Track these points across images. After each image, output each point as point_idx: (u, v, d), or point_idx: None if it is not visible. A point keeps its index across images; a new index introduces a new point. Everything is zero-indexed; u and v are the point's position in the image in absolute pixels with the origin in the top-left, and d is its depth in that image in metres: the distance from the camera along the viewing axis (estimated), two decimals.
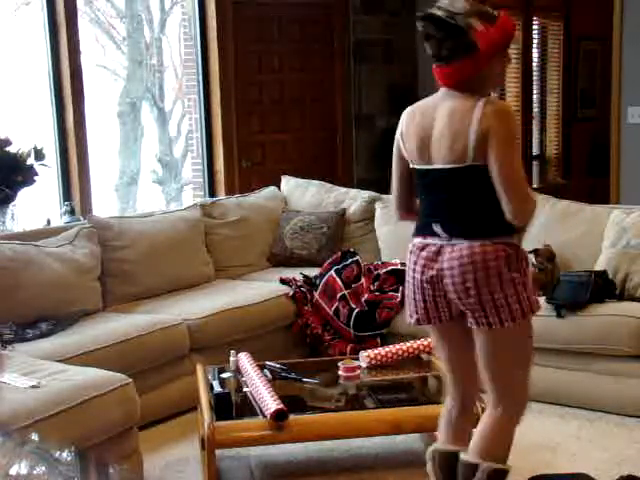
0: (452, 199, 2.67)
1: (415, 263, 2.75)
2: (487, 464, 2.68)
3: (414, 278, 2.76)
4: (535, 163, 8.98)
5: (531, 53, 8.68)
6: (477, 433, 2.77)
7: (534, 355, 2.83)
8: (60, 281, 4.26)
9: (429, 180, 2.71)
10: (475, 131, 2.54)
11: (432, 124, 2.64)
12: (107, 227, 4.67)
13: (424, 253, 2.72)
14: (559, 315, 4.12)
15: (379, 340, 4.57)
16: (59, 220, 5.14)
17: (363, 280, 4.87)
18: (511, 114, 2.64)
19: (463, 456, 2.75)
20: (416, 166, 2.73)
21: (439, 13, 2.57)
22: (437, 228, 2.69)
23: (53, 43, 5.34)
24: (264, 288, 4.84)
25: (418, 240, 2.77)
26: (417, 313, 2.79)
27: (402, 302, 4.63)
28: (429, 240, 2.72)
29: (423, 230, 2.76)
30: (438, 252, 2.68)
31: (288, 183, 5.82)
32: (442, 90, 2.68)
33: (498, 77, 2.73)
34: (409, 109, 2.76)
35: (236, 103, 6.41)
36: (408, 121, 2.73)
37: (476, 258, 2.60)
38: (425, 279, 2.71)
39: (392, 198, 2.93)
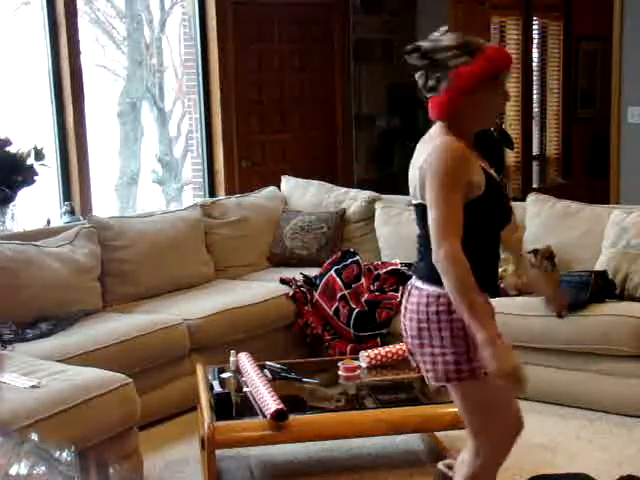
0: (420, 236, 2.58)
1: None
2: None
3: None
4: (535, 163, 8.98)
5: (531, 53, 8.68)
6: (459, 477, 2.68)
7: (513, 408, 2.63)
8: (60, 281, 4.26)
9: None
10: (419, 171, 2.48)
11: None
12: (107, 227, 4.67)
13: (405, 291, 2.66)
14: (559, 315, 4.12)
15: (379, 340, 4.57)
16: (59, 220, 5.14)
17: (363, 280, 4.87)
18: (449, 151, 2.43)
19: None
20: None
21: (424, 45, 2.50)
22: (413, 267, 2.66)
23: (53, 43, 5.34)
24: (264, 288, 4.84)
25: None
26: None
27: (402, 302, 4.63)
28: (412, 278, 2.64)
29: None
30: (408, 294, 2.60)
31: (288, 183, 5.82)
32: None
33: (486, 114, 2.58)
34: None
35: (236, 103, 6.41)
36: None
37: (422, 307, 2.48)
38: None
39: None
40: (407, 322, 2.55)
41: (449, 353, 2.45)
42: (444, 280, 2.37)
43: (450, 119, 2.50)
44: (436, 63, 2.46)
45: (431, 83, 2.50)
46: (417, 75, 2.53)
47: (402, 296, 2.66)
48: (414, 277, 2.59)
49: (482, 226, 2.51)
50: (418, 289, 2.53)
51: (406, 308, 2.56)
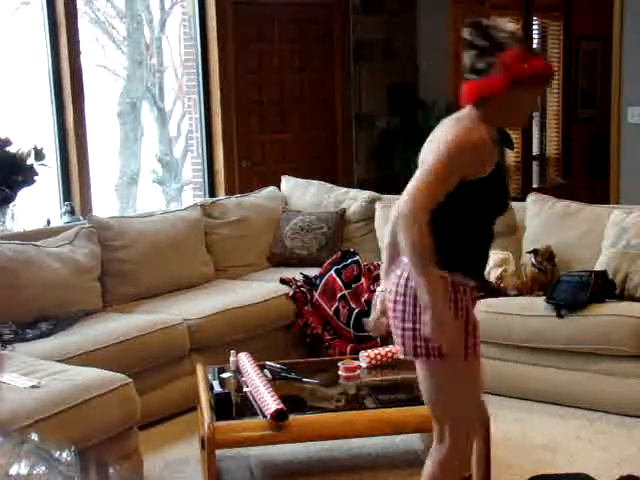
0: None
1: None
2: None
3: None
4: (535, 163, 8.98)
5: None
6: (426, 475, 2.65)
7: (476, 396, 2.66)
8: (60, 281, 4.26)
9: None
10: (430, 141, 2.49)
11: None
12: (107, 227, 4.67)
13: None
14: (559, 315, 4.12)
15: (379, 340, 4.57)
16: (59, 220, 5.14)
17: (363, 280, 4.87)
18: (470, 141, 2.43)
19: None
20: None
21: (485, 22, 2.53)
22: None
23: (53, 43, 5.34)
24: (264, 288, 4.84)
25: None
26: None
27: None
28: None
29: None
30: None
31: (288, 183, 5.82)
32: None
33: (520, 113, 2.59)
34: None
35: (236, 103, 6.41)
36: None
37: (402, 281, 2.49)
38: None
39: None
40: (388, 295, 2.56)
41: (419, 329, 2.45)
42: (405, 234, 2.37)
43: (485, 106, 2.49)
44: (493, 44, 2.47)
45: (481, 65, 2.48)
46: (469, 54, 2.51)
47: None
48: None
49: (480, 208, 2.52)
50: (403, 265, 2.51)
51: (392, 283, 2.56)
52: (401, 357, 2.61)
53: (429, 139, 2.57)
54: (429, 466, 2.64)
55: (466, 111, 2.53)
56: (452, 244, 2.48)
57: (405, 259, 2.46)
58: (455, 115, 2.56)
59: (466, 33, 2.55)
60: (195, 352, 4.31)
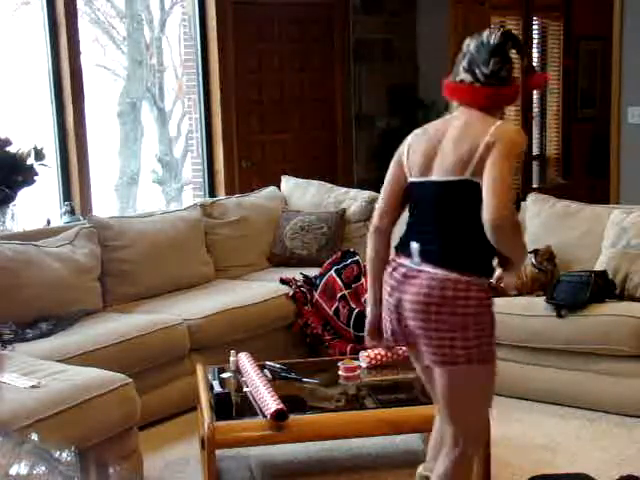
0: (439, 218, 2.59)
1: (386, 282, 2.68)
2: None
3: (385, 299, 2.69)
4: (535, 163, 8.98)
5: (531, 53, 8.68)
6: (437, 476, 2.68)
7: (492, 399, 2.71)
8: (60, 281, 4.26)
9: (422, 193, 2.64)
10: (484, 145, 2.48)
11: (441, 138, 2.60)
12: (107, 227, 4.67)
13: (395, 274, 2.64)
14: (559, 315, 4.12)
15: None
16: (59, 220, 5.14)
17: (363, 280, 4.87)
18: (521, 138, 2.57)
19: None
20: (414, 179, 2.64)
21: (516, 35, 2.68)
22: (414, 246, 2.59)
23: (53, 43, 5.34)
24: (264, 288, 4.84)
25: (392, 257, 2.71)
26: (387, 332, 2.73)
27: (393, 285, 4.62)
28: (402, 260, 2.63)
29: (401, 248, 2.67)
30: (405, 277, 2.59)
31: (288, 183, 5.82)
32: (460, 110, 2.63)
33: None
34: (420, 128, 2.72)
35: (236, 103, 6.41)
36: (417, 137, 2.68)
37: (446, 292, 2.49)
38: (392, 302, 2.64)
39: (377, 208, 2.77)
40: (409, 305, 2.55)
41: (458, 338, 2.49)
42: (517, 239, 2.51)
43: (489, 110, 2.61)
44: (520, 56, 2.64)
45: (504, 74, 2.61)
46: (494, 60, 2.58)
47: (392, 288, 2.64)
48: (416, 260, 2.57)
49: None
50: (427, 273, 2.52)
51: (417, 293, 2.53)
52: (429, 364, 2.61)
53: (455, 138, 2.57)
54: (445, 467, 2.64)
55: (482, 114, 2.59)
56: (483, 246, 2.51)
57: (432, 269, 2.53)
58: (464, 118, 2.60)
59: (496, 39, 2.61)
60: (195, 352, 4.31)
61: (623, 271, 4.24)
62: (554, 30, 8.94)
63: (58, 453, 1.63)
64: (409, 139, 2.70)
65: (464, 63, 2.63)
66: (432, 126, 2.69)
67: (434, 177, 2.58)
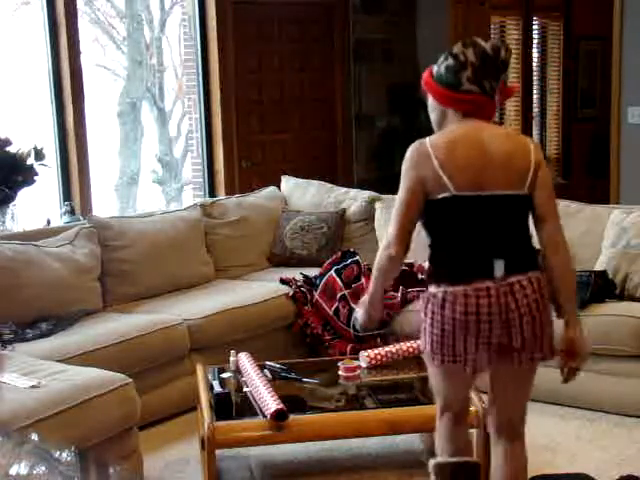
0: (508, 229, 2.62)
1: (466, 320, 2.56)
2: None
3: (475, 327, 2.58)
4: None
5: (531, 53, 8.68)
6: (514, 471, 2.77)
7: None
8: (60, 281, 4.26)
9: (476, 207, 2.58)
10: (534, 164, 2.60)
11: (483, 150, 2.58)
12: (107, 227, 4.67)
13: (479, 301, 2.54)
14: (559, 315, 4.11)
15: (379, 340, 4.57)
16: (59, 220, 5.14)
17: (363, 280, 4.86)
18: None
19: None
20: (461, 193, 2.55)
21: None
22: (498, 264, 2.56)
23: (53, 43, 5.34)
24: (264, 288, 4.84)
25: (462, 288, 2.55)
26: (448, 355, 2.63)
27: (402, 302, 4.63)
28: (480, 285, 2.55)
29: (474, 271, 2.57)
30: (495, 296, 2.55)
31: (288, 183, 5.82)
32: (472, 121, 2.63)
33: None
34: (438, 141, 2.61)
35: (236, 103, 6.42)
36: (444, 149, 2.58)
37: (543, 291, 2.63)
38: (486, 327, 2.56)
39: (395, 234, 2.67)
40: (522, 317, 2.59)
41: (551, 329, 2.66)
42: (567, 253, 2.67)
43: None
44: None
45: (507, 84, 2.73)
46: (503, 76, 2.67)
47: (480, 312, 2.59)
48: (500, 275, 2.56)
49: None
50: (522, 280, 2.58)
51: (526, 304, 2.59)
52: (521, 363, 2.67)
53: (510, 153, 2.62)
54: (518, 467, 2.77)
55: (488, 121, 2.70)
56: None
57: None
58: (482, 122, 2.66)
59: (506, 54, 2.67)
60: (195, 352, 4.31)
61: (623, 271, 4.24)
62: (554, 30, 8.95)
63: (58, 453, 1.63)
64: (431, 150, 2.59)
65: (468, 73, 2.61)
66: (457, 137, 2.61)
67: (498, 191, 2.57)
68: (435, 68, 2.73)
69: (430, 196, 2.59)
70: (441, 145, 2.60)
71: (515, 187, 2.59)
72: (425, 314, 2.64)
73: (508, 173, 2.58)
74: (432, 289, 2.63)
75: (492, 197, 2.57)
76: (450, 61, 2.67)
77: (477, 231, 2.60)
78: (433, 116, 2.73)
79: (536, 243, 2.69)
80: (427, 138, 2.64)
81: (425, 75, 2.74)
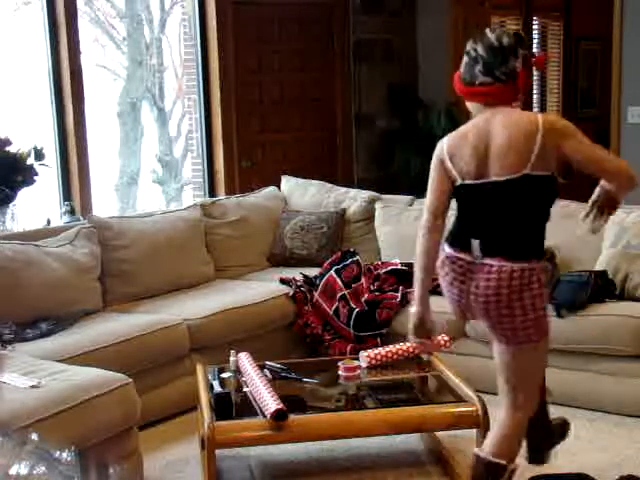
0: (499, 213, 2.76)
1: (447, 274, 2.84)
2: (513, 465, 2.85)
3: (447, 290, 2.87)
4: None
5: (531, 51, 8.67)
6: (501, 435, 2.87)
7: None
8: (60, 281, 4.26)
9: (478, 194, 2.78)
10: (540, 139, 2.67)
11: (488, 141, 2.74)
12: (107, 227, 4.67)
13: (454, 267, 2.80)
14: (559, 315, 4.12)
15: (379, 340, 4.57)
16: (59, 220, 5.14)
17: (363, 280, 4.87)
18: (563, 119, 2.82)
19: (485, 455, 2.84)
20: (467, 182, 2.78)
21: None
22: (474, 242, 2.76)
23: (53, 43, 5.34)
24: (264, 288, 4.84)
25: (450, 251, 2.83)
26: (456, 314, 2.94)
27: (402, 302, 4.63)
28: (459, 255, 2.79)
29: (457, 242, 2.82)
30: (468, 270, 2.77)
31: (288, 183, 5.82)
32: (488, 110, 2.80)
33: None
34: (454, 134, 2.85)
35: (236, 103, 6.42)
36: (456, 143, 2.81)
37: (514, 282, 2.70)
38: (455, 292, 2.83)
39: (429, 209, 2.88)
40: (479, 297, 2.74)
41: (528, 319, 2.75)
42: (629, 177, 2.82)
43: (514, 102, 2.86)
44: (522, 49, 2.83)
45: (518, 68, 2.80)
46: (512, 60, 2.78)
47: (454, 279, 2.82)
48: (477, 255, 2.75)
49: None
50: (493, 266, 2.71)
51: (486, 287, 2.73)
52: (500, 344, 2.83)
53: (494, 139, 2.75)
54: (511, 426, 2.86)
55: (505, 107, 2.81)
56: (540, 231, 2.96)
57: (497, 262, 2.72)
58: (499, 110, 2.79)
59: (509, 40, 2.80)
60: (195, 352, 4.31)
61: (623, 271, 4.24)
62: (554, 30, 8.95)
63: (58, 453, 1.63)
64: (445, 146, 2.82)
65: (479, 67, 2.78)
66: (469, 131, 2.80)
67: (493, 178, 2.73)
68: (460, 72, 2.90)
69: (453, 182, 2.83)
70: (454, 139, 2.83)
71: (515, 170, 2.70)
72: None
73: (512, 158, 2.69)
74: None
75: (491, 184, 2.74)
76: (465, 59, 2.84)
77: (471, 211, 2.83)
78: (474, 114, 2.90)
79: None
80: (450, 133, 2.87)
81: (456, 83, 2.91)
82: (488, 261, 2.72)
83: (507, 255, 2.71)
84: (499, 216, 2.76)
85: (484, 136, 2.75)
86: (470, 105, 2.88)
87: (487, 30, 2.85)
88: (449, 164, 2.80)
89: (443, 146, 2.84)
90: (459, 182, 2.79)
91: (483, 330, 2.81)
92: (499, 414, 2.90)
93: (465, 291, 2.78)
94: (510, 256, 2.71)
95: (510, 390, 2.87)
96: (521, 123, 2.72)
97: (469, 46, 2.82)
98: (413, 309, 2.93)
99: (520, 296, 2.70)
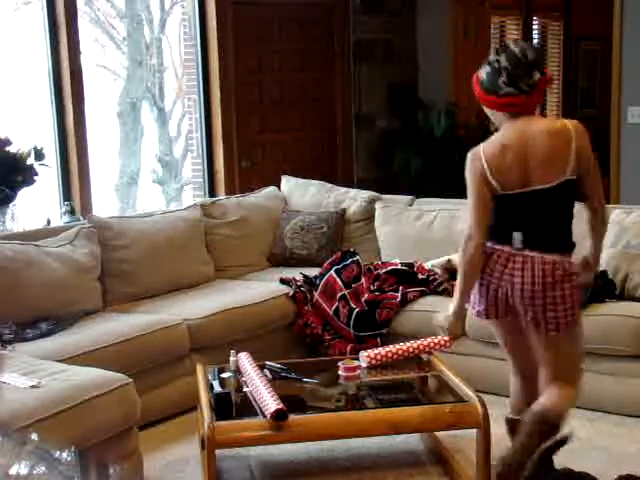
0: (540, 212, 2.95)
1: (487, 267, 3.01)
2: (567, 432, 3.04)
3: (487, 280, 3.04)
4: None
5: None
6: (556, 397, 3.08)
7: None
8: (60, 281, 4.26)
9: (522, 201, 2.95)
10: (576, 146, 2.89)
11: (526, 151, 2.91)
12: (107, 227, 4.67)
13: (495, 258, 3.00)
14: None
15: (379, 340, 4.57)
16: (59, 220, 5.14)
17: (363, 280, 4.87)
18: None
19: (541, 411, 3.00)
20: (511, 192, 2.94)
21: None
22: (516, 236, 2.96)
23: (53, 43, 5.34)
24: (264, 288, 4.84)
25: (490, 245, 3.01)
26: (485, 309, 3.10)
27: (402, 302, 4.63)
28: (500, 247, 2.99)
29: (498, 236, 3.00)
30: (508, 261, 2.97)
31: (288, 183, 5.82)
32: (520, 120, 2.96)
33: None
34: (490, 146, 2.98)
35: (236, 103, 6.42)
36: (497, 156, 2.94)
37: (557, 272, 2.92)
38: (494, 282, 3.01)
39: (474, 226, 3.00)
40: (523, 286, 2.95)
41: (568, 307, 2.99)
42: (605, 221, 3.22)
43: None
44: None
45: (539, 81, 2.99)
46: (535, 73, 2.95)
47: (494, 270, 3.02)
48: (518, 246, 2.96)
49: None
50: (535, 258, 2.93)
51: (532, 276, 2.95)
52: (541, 333, 3.03)
53: (533, 149, 2.93)
54: (564, 396, 3.10)
55: (532, 116, 3.00)
56: (570, 229, 3.09)
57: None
58: (526, 119, 2.98)
59: (533, 54, 2.97)
60: (195, 352, 4.31)
61: (623, 271, 4.24)
62: (554, 30, 8.95)
63: (58, 453, 1.63)
64: (485, 160, 2.95)
65: (504, 78, 2.92)
66: (507, 142, 2.95)
67: (538, 186, 2.92)
68: (479, 77, 3.02)
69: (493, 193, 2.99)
70: (492, 151, 2.96)
71: (557, 177, 2.90)
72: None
73: (547, 169, 2.89)
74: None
75: (535, 191, 2.92)
76: (487, 69, 2.97)
77: (514, 212, 2.99)
78: (493, 119, 3.08)
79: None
80: (482, 144, 3.00)
81: (475, 86, 3.03)
82: (528, 253, 2.93)
83: (546, 248, 2.92)
84: (539, 214, 2.95)
85: (523, 146, 2.91)
86: (490, 112, 3.03)
87: (510, 42, 3.00)
88: (491, 178, 2.94)
89: (481, 159, 2.95)
90: (500, 193, 2.94)
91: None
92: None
93: (508, 281, 2.96)
94: (549, 249, 2.92)
95: (555, 374, 3.08)
96: (557, 131, 2.91)
97: (492, 57, 2.95)
98: (456, 306, 3.11)
99: (562, 286, 2.92)
